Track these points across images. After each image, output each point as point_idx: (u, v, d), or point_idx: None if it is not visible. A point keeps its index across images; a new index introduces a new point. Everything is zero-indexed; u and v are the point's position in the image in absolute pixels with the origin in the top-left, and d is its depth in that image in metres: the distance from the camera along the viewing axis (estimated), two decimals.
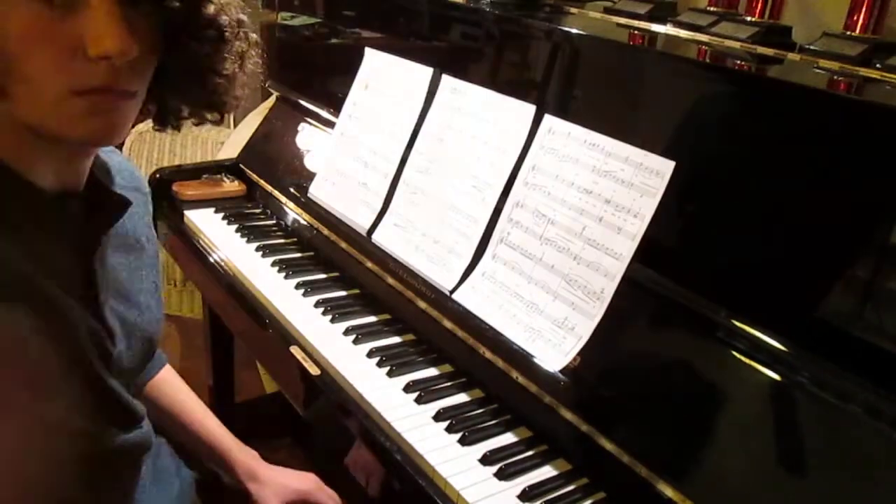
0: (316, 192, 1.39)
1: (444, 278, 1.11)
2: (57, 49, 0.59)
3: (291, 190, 1.46)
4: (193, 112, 0.76)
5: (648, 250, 0.90)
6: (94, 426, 0.72)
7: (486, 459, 0.89)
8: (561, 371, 0.93)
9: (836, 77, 0.95)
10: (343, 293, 1.25)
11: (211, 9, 0.67)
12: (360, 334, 1.12)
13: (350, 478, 1.02)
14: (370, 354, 1.08)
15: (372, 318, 1.18)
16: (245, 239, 1.42)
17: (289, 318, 1.17)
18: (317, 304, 1.20)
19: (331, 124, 1.45)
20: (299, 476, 1.07)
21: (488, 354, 1.01)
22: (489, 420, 0.97)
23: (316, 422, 1.13)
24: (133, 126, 0.69)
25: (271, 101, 1.78)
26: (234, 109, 0.78)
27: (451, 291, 1.09)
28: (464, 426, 0.94)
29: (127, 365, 0.77)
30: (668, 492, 0.78)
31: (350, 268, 1.28)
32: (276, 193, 1.50)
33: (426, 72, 1.25)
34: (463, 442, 0.92)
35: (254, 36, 0.76)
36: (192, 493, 0.99)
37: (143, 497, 0.86)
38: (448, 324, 1.08)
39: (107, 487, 0.78)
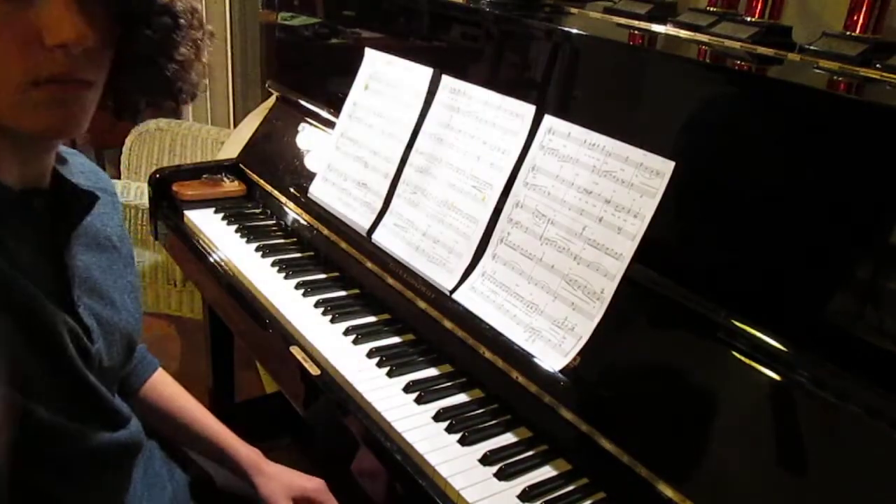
0: (316, 192, 1.39)
1: (443, 278, 1.11)
2: (13, 39, 0.59)
3: (291, 190, 1.46)
4: (150, 101, 0.77)
5: (648, 250, 0.90)
6: (77, 425, 0.72)
7: (486, 459, 0.89)
8: (561, 371, 0.93)
9: (836, 77, 0.95)
10: (343, 293, 1.25)
11: None
12: (360, 334, 1.12)
13: (350, 478, 1.02)
14: (370, 354, 1.08)
15: (372, 318, 1.18)
16: (245, 239, 1.42)
17: (289, 318, 1.17)
18: (317, 304, 1.20)
19: (331, 124, 1.45)
20: (307, 477, 1.07)
21: (488, 354, 1.01)
22: (489, 420, 0.97)
23: (316, 422, 1.13)
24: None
25: (271, 101, 1.78)
26: (192, 98, 0.79)
27: (451, 291, 1.09)
28: (464, 426, 0.94)
29: (107, 363, 0.77)
30: (668, 492, 0.78)
31: (350, 268, 1.28)
32: (276, 193, 1.50)
33: (426, 72, 1.25)
34: (463, 442, 0.92)
35: (209, 27, 0.77)
36: (186, 498, 0.99)
37: (134, 503, 0.86)
38: (448, 324, 1.08)
39: (95, 487, 0.78)
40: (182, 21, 0.70)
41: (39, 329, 0.66)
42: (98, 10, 0.63)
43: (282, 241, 1.43)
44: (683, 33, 1.15)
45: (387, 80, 1.32)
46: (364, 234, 1.26)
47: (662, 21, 1.20)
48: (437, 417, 0.96)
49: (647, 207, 0.90)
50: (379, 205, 1.26)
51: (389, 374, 1.04)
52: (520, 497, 0.85)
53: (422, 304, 1.13)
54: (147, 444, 0.92)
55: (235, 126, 2.44)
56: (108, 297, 0.80)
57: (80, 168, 0.83)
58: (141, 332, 0.91)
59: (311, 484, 1.06)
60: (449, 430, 0.94)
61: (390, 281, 1.19)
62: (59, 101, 0.63)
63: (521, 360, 0.97)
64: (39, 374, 0.67)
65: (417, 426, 0.94)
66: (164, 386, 1.06)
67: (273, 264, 1.32)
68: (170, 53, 0.71)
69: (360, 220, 1.28)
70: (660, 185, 0.89)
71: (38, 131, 0.65)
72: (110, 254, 0.83)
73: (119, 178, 2.56)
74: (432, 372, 1.06)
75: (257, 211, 1.55)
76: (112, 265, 0.82)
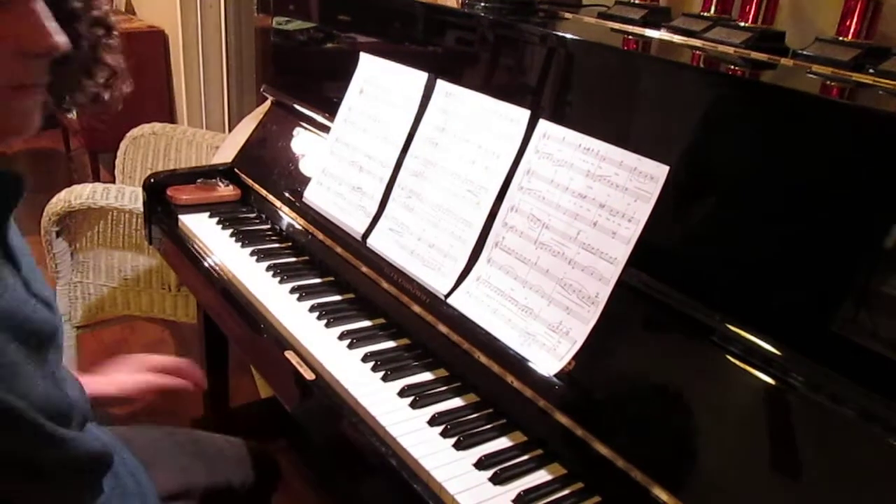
0: (311, 196, 1.39)
1: (438, 283, 1.10)
2: None
3: (286, 194, 1.46)
4: (81, 106, 0.79)
5: (643, 254, 0.90)
6: (55, 427, 0.69)
7: (480, 464, 0.89)
8: (556, 375, 0.93)
9: (828, 82, 0.95)
10: (338, 297, 1.25)
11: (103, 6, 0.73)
12: (355, 339, 1.12)
13: (345, 482, 1.01)
14: (365, 359, 1.08)
15: (366, 323, 1.18)
16: (240, 244, 1.41)
17: (283, 322, 1.16)
18: (311, 309, 1.20)
19: (326, 129, 1.45)
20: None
21: (483, 359, 1.01)
22: (484, 424, 0.97)
23: (311, 426, 1.13)
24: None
25: (266, 105, 1.78)
26: (118, 102, 0.79)
27: (446, 296, 1.09)
28: (458, 431, 0.94)
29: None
30: (664, 496, 0.78)
31: (345, 272, 1.28)
32: (271, 198, 1.50)
33: (421, 76, 1.25)
34: (458, 446, 0.92)
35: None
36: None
37: None
38: (443, 328, 1.08)
39: (69, 494, 0.76)
40: (115, 31, 0.74)
41: (28, 324, 0.66)
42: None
43: (276, 245, 1.43)
44: (677, 38, 1.15)
45: (382, 85, 1.32)
46: (359, 238, 1.26)
47: (656, 26, 1.20)
48: (432, 422, 0.96)
49: (642, 212, 0.90)
50: (374, 209, 1.26)
51: (384, 379, 1.04)
52: (515, 501, 0.85)
53: (417, 309, 1.13)
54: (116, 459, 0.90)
55: (230, 130, 2.43)
56: (46, 291, 0.77)
57: None
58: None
59: (171, 361, 1.05)
60: (444, 434, 0.94)
61: (385, 285, 1.19)
62: (31, 105, 0.65)
63: (516, 364, 0.97)
64: (30, 373, 0.65)
65: (412, 431, 0.94)
66: None
67: (268, 269, 1.32)
68: (104, 58, 0.74)
69: (354, 224, 1.28)
70: (654, 190, 0.89)
71: (11, 133, 0.66)
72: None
73: (114, 181, 2.56)
74: (427, 376, 1.06)
75: (252, 215, 1.55)
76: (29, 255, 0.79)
